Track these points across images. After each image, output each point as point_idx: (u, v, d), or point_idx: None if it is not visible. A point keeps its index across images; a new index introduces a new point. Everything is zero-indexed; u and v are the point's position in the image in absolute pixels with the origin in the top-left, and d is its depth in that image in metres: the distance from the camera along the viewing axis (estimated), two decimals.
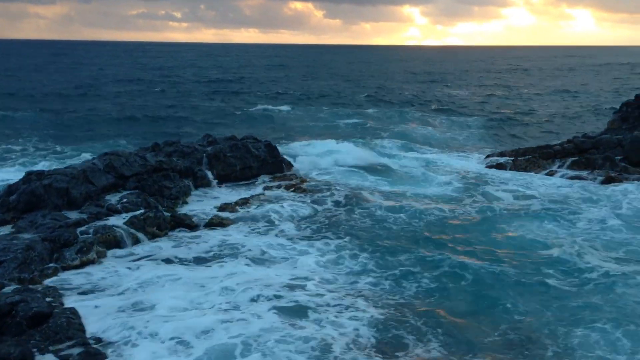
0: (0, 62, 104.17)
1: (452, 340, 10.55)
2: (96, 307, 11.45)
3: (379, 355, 10.05)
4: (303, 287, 12.62)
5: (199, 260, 14.22)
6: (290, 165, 23.80)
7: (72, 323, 10.28)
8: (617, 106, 30.73)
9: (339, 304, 11.85)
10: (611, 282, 12.83)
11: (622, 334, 10.58)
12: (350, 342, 10.41)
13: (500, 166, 25.57)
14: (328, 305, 11.81)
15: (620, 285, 12.64)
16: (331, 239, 15.80)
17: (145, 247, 15.09)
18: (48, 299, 11.12)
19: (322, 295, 12.27)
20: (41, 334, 9.80)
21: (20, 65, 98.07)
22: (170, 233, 16.07)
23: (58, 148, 29.16)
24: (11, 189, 16.95)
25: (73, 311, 10.74)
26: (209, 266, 13.81)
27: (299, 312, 11.49)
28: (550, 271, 13.52)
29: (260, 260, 14.28)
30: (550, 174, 23.91)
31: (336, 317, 11.30)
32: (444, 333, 10.83)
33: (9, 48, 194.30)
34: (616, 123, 28.20)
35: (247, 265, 13.85)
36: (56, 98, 50.31)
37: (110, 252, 14.48)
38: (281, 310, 11.49)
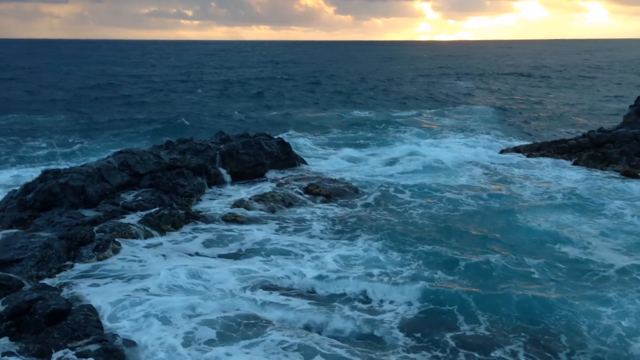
0: (21, 62, 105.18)
1: (491, 324, 11.09)
2: (111, 296, 11.68)
3: (426, 337, 10.60)
4: (335, 280, 12.77)
5: (222, 255, 14.45)
6: (303, 162, 23.84)
7: (90, 320, 10.37)
8: None
9: (382, 297, 12.13)
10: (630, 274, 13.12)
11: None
12: (396, 324, 10.97)
13: (515, 160, 25.50)
14: (367, 296, 12.17)
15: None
16: (350, 233, 15.96)
17: (167, 240, 15.23)
18: (66, 296, 11.26)
19: (362, 286, 12.49)
20: (59, 331, 9.89)
21: (38, 64, 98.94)
22: (190, 227, 16.22)
23: (79, 147, 29.44)
24: (28, 187, 17.10)
25: (91, 308, 10.84)
26: (236, 259, 14.07)
27: (336, 301, 11.86)
28: (570, 262, 13.89)
29: (282, 254, 14.38)
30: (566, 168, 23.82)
31: (379, 305, 11.81)
32: (484, 310, 11.44)
33: (26, 48, 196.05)
34: (632, 117, 27.86)
35: (269, 260, 13.96)
36: (79, 98, 50.58)
37: (129, 244, 14.66)
38: (317, 299, 11.95)
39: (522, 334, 10.69)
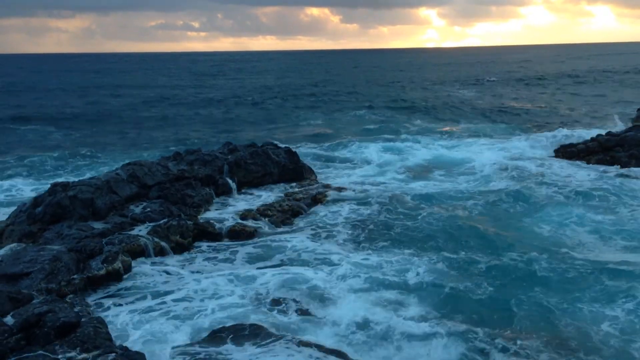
0: (31, 76, 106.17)
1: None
2: (124, 309, 11.94)
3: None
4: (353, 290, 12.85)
5: (235, 266, 14.59)
6: (310, 171, 23.86)
7: (99, 332, 10.38)
8: None
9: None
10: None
11: None
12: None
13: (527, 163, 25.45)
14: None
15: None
16: (365, 242, 16.00)
17: (177, 257, 15.34)
18: (76, 309, 11.32)
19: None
20: (69, 344, 9.92)
21: (47, 78, 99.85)
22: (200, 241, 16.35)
23: (88, 159, 29.59)
24: (37, 201, 17.23)
25: (100, 320, 10.87)
26: (248, 270, 14.08)
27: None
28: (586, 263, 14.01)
29: (297, 264, 14.47)
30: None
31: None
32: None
33: (36, 62, 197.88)
34: None
35: (284, 271, 13.97)
36: (88, 111, 50.82)
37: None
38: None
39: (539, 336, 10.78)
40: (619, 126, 31.29)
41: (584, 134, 29.32)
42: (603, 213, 17.64)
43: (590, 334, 10.75)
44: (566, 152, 26.36)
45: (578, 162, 24.93)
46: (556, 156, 26.27)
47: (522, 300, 12.11)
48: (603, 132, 27.83)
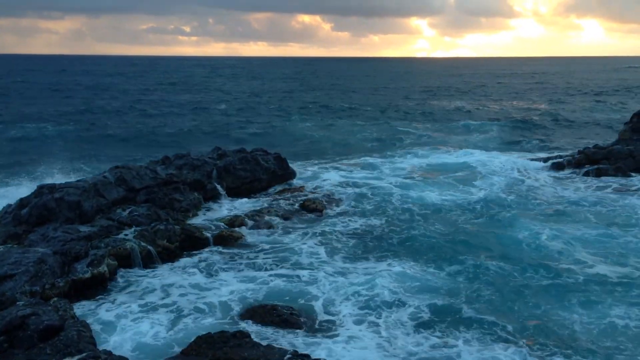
0: (21, 77, 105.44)
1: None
2: (110, 313, 11.84)
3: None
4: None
5: (228, 273, 14.44)
6: (300, 177, 23.88)
7: (83, 336, 10.29)
8: None
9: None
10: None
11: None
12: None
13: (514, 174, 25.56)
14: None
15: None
16: (352, 250, 16.04)
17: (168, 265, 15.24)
18: (60, 312, 11.22)
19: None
20: (52, 347, 9.83)
21: (37, 79, 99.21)
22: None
23: (77, 161, 29.37)
24: (23, 202, 17.07)
25: (84, 324, 10.78)
26: (244, 276, 14.05)
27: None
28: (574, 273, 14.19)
29: (283, 273, 14.35)
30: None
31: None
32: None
33: (26, 63, 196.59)
34: (627, 134, 28.06)
35: (271, 279, 13.92)
36: (80, 113, 50.53)
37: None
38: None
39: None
40: None
41: (581, 145, 29.60)
42: (592, 226, 17.71)
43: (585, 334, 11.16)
44: (558, 164, 26.53)
45: (570, 175, 25.05)
46: (551, 168, 26.38)
47: (521, 307, 12.30)
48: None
